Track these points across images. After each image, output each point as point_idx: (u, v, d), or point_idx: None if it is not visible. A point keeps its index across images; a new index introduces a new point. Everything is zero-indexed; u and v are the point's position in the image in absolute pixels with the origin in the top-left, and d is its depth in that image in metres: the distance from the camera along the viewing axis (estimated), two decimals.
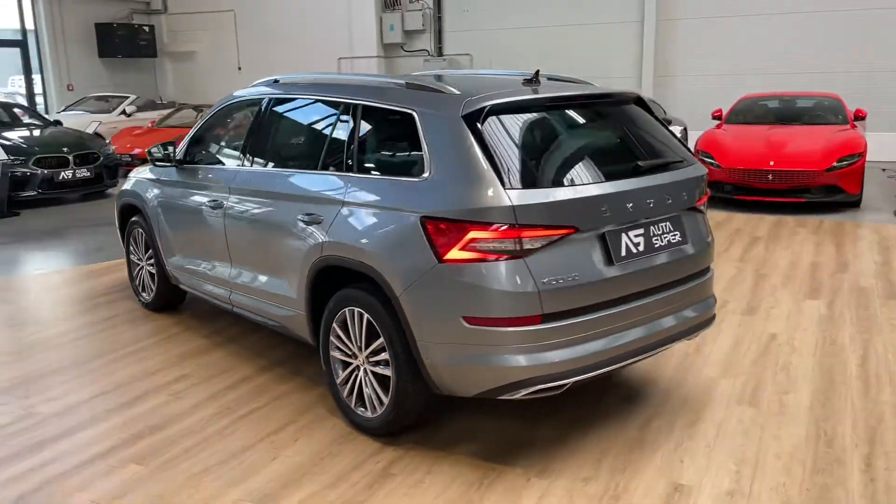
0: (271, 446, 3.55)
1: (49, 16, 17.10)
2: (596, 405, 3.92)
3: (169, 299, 5.52)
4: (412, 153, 3.38)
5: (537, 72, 3.69)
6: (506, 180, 3.06)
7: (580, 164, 3.34)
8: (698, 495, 3.09)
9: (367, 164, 3.64)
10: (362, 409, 3.61)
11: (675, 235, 3.49)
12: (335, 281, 3.67)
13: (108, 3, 18.40)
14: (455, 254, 3.07)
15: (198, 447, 3.56)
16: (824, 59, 13.96)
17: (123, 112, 15.06)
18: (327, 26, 17.41)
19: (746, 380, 4.21)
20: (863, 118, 10.30)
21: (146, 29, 19.10)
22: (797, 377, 4.23)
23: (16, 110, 12.40)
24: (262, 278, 4.20)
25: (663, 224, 3.45)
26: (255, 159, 4.38)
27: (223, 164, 4.71)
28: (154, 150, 5.03)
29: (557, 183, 3.16)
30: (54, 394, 4.21)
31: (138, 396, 4.16)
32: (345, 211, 3.55)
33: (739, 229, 8.23)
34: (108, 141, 12.10)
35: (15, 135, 10.85)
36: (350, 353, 3.63)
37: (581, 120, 3.63)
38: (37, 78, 17.58)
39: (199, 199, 4.68)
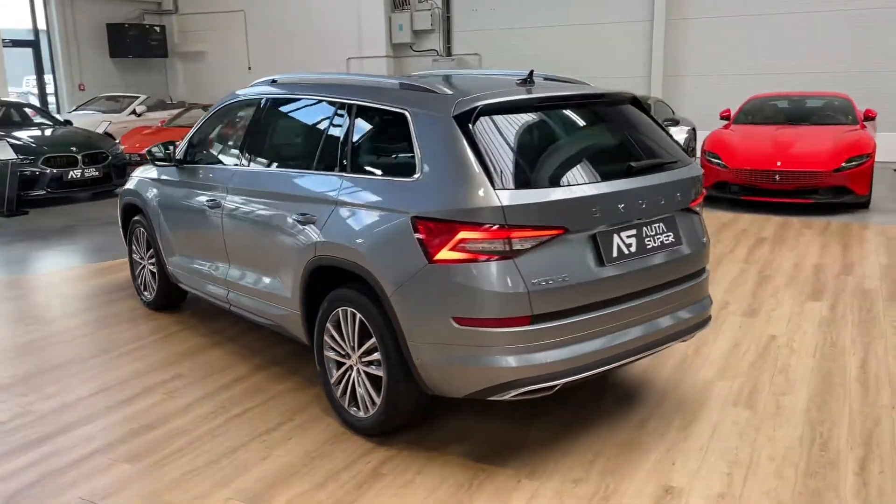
0: (263, 446, 3.56)
1: (61, 16, 17.26)
2: (591, 406, 3.90)
3: (170, 298, 5.54)
4: (404, 153, 3.38)
5: (531, 72, 3.68)
6: (496, 181, 3.05)
7: (571, 164, 3.32)
8: (688, 498, 3.07)
9: (360, 164, 3.64)
10: (355, 409, 3.61)
11: (668, 236, 3.47)
12: (329, 281, 3.68)
13: (119, 4, 18.54)
14: (445, 254, 3.06)
15: (190, 446, 3.58)
16: (835, 58, 13.85)
17: (133, 112, 15.16)
18: (336, 26, 17.46)
19: (744, 381, 4.18)
20: (872, 118, 10.20)
21: (157, 29, 19.23)
22: (795, 379, 4.20)
23: (27, 110, 12.51)
24: (259, 278, 4.21)
25: (656, 225, 3.42)
26: (253, 159, 4.39)
27: (221, 164, 4.72)
28: (155, 149, 5.06)
29: (548, 183, 3.15)
30: (52, 391, 4.24)
31: (135, 395, 4.18)
32: (338, 211, 3.55)
33: (745, 230, 8.18)
34: (117, 140, 12.18)
35: (25, 134, 10.94)
36: (343, 352, 3.63)
37: (574, 120, 3.62)
38: (49, 78, 17.74)
39: (198, 198, 4.70)
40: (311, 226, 3.67)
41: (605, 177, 3.29)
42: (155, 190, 5.26)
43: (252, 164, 4.38)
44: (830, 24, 13.82)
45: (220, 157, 4.84)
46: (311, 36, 17.78)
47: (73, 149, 10.73)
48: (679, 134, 10.42)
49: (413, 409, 3.46)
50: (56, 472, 3.37)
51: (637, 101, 3.86)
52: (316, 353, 3.79)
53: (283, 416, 3.85)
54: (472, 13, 16.78)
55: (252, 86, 4.71)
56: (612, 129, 3.73)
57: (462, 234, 3.02)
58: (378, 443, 3.54)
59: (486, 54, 16.70)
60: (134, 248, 5.76)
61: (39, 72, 17.67)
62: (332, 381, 3.72)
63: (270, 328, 4.31)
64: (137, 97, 15.76)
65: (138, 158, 12.15)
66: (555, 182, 3.16)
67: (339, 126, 3.78)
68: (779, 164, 9.04)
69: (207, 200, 4.58)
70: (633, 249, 3.31)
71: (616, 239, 3.26)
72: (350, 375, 3.61)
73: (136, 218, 5.60)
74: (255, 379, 4.33)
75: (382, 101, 3.59)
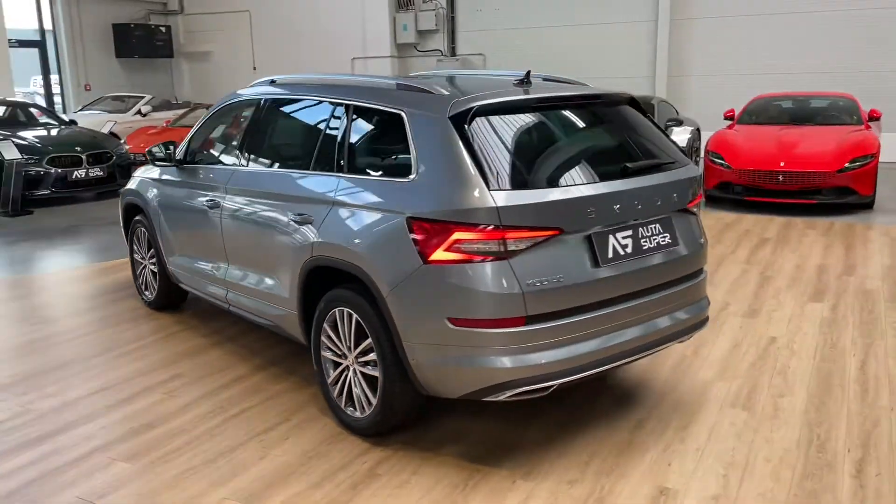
0: (260, 445, 3.57)
1: (67, 17, 17.33)
2: (588, 407, 3.90)
3: (171, 298, 5.56)
4: (401, 154, 3.38)
5: (528, 72, 3.68)
6: (491, 181, 3.05)
7: (567, 165, 3.32)
8: (683, 499, 3.06)
9: (357, 165, 3.64)
10: (352, 409, 3.62)
11: (664, 237, 3.46)
12: (326, 281, 3.69)
13: (125, 4, 18.60)
14: (440, 255, 3.07)
15: (188, 445, 3.59)
16: (840, 58, 13.80)
17: (139, 112, 15.21)
18: (341, 26, 17.49)
19: (742, 383, 4.17)
20: (877, 118, 10.16)
21: (163, 29, 19.29)
22: (794, 381, 4.19)
23: (32, 110, 12.57)
24: (257, 278, 4.23)
25: (653, 226, 3.42)
26: (251, 159, 4.41)
27: (221, 164, 4.74)
28: (155, 149, 5.08)
29: (543, 184, 3.15)
30: (53, 390, 4.26)
31: (135, 394, 4.19)
32: (335, 211, 3.56)
33: (748, 230, 8.16)
34: (122, 140, 12.22)
35: (30, 134, 10.99)
36: (340, 353, 3.64)
37: (571, 121, 3.62)
38: (55, 78, 17.82)
39: (198, 198, 4.71)
40: (309, 226, 3.68)
41: (601, 178, 3.29)
42: (155, 190, 5.29)
43: (250, 164, 4.39)
44: (835, 23, 13.77)
45: (220, 157, 4.85)
46: (316, 36, 17.82)
47: (78, 149, 10.78)
48: (682, 134, 10.38)
49: (408, 409, 3.46)
50: (55, 471, 3.39)
51: (635, 102, 3.85)
52: (313, 353, 3.80)
53: (280, 416, 3.86)
54: (476, 13, 16.78)
55: (252, 86, 4.72)
56: (609, 130, 3.72)
57: (457, 235, 3.02)
58: (374, 443, 3.54)
59: (491, 54, 16.70)
60: (135, 247, 5.79)
61: (46, 72, 17.74)
62: (329, 381, 3.72)
63: (269, 328, 4.32)
64: (143, 97, 15.82)
65: (143, 158, 12.19)
66: (550, 183, 3.16)
67: (337, 126, 3.79)
68: (782, 164, 9.01)
69: (207, 200, 4.59)
70: (628, 250, 3.31)
71: (611, 240, 3.25)
72: (347, 375, 3.62)
73: (137, 218, 5.62)
74: (254, 379, 4.34)
75: (379, 101, 3.59)
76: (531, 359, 3.08)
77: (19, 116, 12.13)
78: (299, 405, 3.98)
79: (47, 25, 17.40)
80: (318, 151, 3.85)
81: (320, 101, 3.99)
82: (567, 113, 3.60)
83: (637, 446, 3.50)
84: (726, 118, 10.95)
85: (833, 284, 6.03)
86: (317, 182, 3.76)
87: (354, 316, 3.47)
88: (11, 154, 9.73)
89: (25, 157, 10.05)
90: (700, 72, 15.03)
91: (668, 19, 14.87)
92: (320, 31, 17.76)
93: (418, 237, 3.12)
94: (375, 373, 3.41)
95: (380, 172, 3.52)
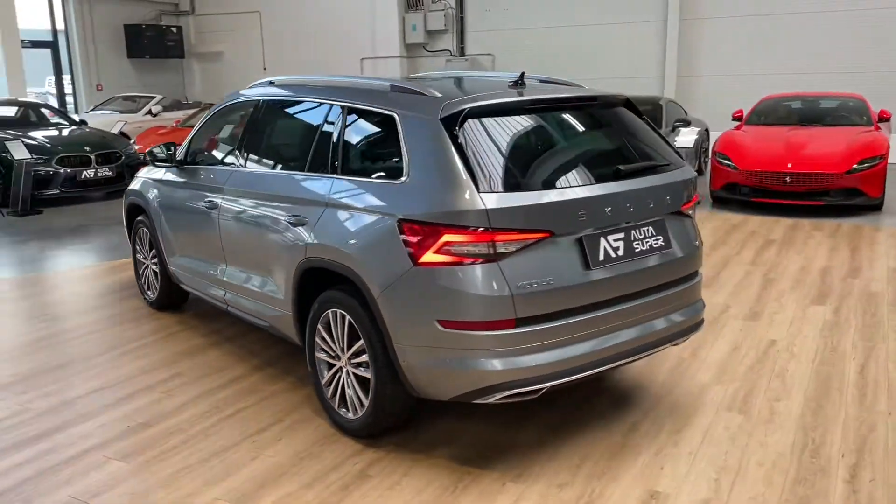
0: (254, 446, 3.59)
1: (79, 17, 17.47)
2: (582, 409, 3.89)
3: (172, 298, 5.60)
4: (393, 155, 3.39)
5: (522, 74, 3.68)
6: (481, 183, 3.05)
7: (559, 167, 3.32)
8: (674, 503, 3.05)
9: (351, 166, 3.65)
10: (345, 411, 3.63)
11: (657, 240, 3.45)
12: (320, 282, 3.70)
13: (136, 5, 18.73)
14: (430, 257, 3.07)
15: (182, 445, 3.61)
16: (851, 58, 13.68)
17: (149, 112, 15.30)
18: (350, 27, 17.53)
19: (739, 386, 4.15)
20: (887, 119, 10.06)
21: (174, 30, 19.40)
22: (792, 384, 4.16)
23: (44, 110, 12.67)
24: (253, 279, 4.25)
25: (645, 228, 3.41)
26: (249, 160, 4.43)
27: (219, 165, 4.76)
28: (156, 150, 5.11)
29: (534, 187, 3.14)
30: (52, 389, 4.30)
31: (132, 393, 4.22)
32: (328, 213, 3.57)
33: (754, 232, 8.11)
34: (132, 140, 12.31)
35: (40, 134, 11.08)
36: (334, 354, 3.65)
37: (564, 123, 3.60)
38: (67, 78, 17.96)
39: (197, 199, 4.74)
40: (303, 227, 3.69)
41: (593, 180, 3.28)
42: (156, 191, 5.32)
43: (248, 165, 4.41)
44: (846, 23, 13.65)
45: (218, 158, 4.88)
46: (325, 36, 17.87)
47: (87, 149, 10.86)
48: (689, 135, 10.32)
49: (400, 411, 3.47)
50: (50, 470, 3.42)
51: (630, 104, 3.84)
52: (307, 354, 3.81)
53: (274, 417, 3.88)
54: (485, 13, 16.76)
55: (251, 87, 4.74)
56: (604, 133, 3.71)
57: (446, 237, 3.02)
58: (367, 444, 3.55)
59: (500, 54, 16.68)
60: (137, 247, 5.83)
61: (58, 72, 17.89)
62: (323, 382, 3.74)
63: (264, 329, 4.34)
64: (153, 97, 15.92)
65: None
66: (541, 185, 3.16)
67: (331, 128, 3.80)
68: (789, 165, 8.94)
69: (205, 201, 4.62)
70: (620, 253, 3.30)
71: (603, 242, 3.24)
72: (340, 377, 3.63)
73: (139, 218, 5.66)
74: (251, 379, 4.36)
75: (372, 103, 3.60)
76: (521, 361, 3.07)
77: (31, 117, 12.24)
78: (294, 406, 4.00)
79: (59, 26, 17.55)
80: (313, 153, 3.86)
81: (316, 103, 4.01)
82: (561, 115, 3.59)
83: (630, 449, 3.49)
84: (734, 119, 10.88)
85: (837, 287, 5.98)
86: (311, 183, 3.77)
87: (347, 317, 3.47)
88: (21, 154, 9.82)
89: (35, 156, 10.13)
90: (710, 72, 14.94)
91: (677, 19, 14.80)
92: (330, 31, 17.81)
93: (409, 239, 3.12)
94: (367, 374, 3.42)
95: (373, 174, 3.53)
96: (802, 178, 8.89)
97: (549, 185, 3.18)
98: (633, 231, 3.35)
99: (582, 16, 15.71)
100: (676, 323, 3.59)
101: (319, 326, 3.68)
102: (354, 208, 3.44)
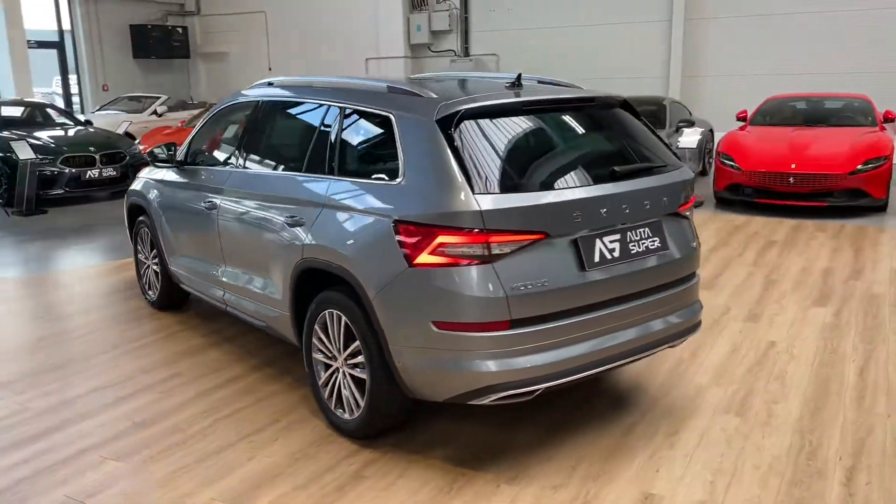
0: (250, 446, 3.59)
1: (85, 18, 17.55)
2: (579, 411, 3.88)
3: (172, 298, 5.61)
4: (389, 157, 3.39)
5: (519, 75, 3.67)
6: (476, 185, 3.05)
7: (554, 169, 3.31)
8: None
9: (348, 167, 3.66)
10: (341, 411, 3.63)
11: (654, 241, 3.44)
12: (317, 283, 3.70)
13: (142, 5, 18.79)
14: (425, 258, 3.07)
15: (179, 445, 3.62)
16: (856, 58, 13.60)
17: (154, 112, 15.36)
18: (355, 27, 17.55)
19: (738, 388, 4.14)
20: (893, 120, 10.02)
21: (180, 30, 19.47)
22: (791, 386, 4.14)
23: (49, 110, 12.73)
24: (251, 279, 4.26)
25: (641, 230, 3.40)
26: (247, 161, 4.44)
27: (219, 166, 4.77)
28: (157, 150, 5.13)
29: (529, 188, 3.14)
30: (52, 388, 4.31)
31: (132, 393, 4.24)
32: (325, 214, 3.58)
33: (757, 233, 8.08)
34: (137, 140, 12.35)
35: (45, 134, 11.13)
36: (330, 355, 3.66)
37: (560, 124, 3.60)
38: (73, 78, 18.04)
39: (196, 199, 4.75)
40: (300, 228, 3.70)
41: (589, 181, 3.27)
42: (157, 191, 5.34)
43: (247, 165, 4.42)
44: (852, 23, 13.58)
45: (218, 158, 4.89)
46: (330, 37, 17.90)
47: (92, 149, 10.90)
48: (693, 135, 10.28)
49: (396, 412, 3.47)
50: (47, 469, 3.43)
51: (627, 105, 3.83)
52: (305, 354, 3.82)
53: (271, 417, 3.88)
54: (489, 13, 16.75)
55: (251, 87, 4.76)
56: (600, 134, 3.71)
57: (441, 239, 3.02)
58: (363, 445, 3.55)
59: (504, 55, 16.66)
60: (139, 248, 5.85)
61: (64, 72, 17.98)
62: (320, 382, 3.74)
63: (264, 329, 4.35)
64: (159, 97, 15.98)
65: None
66: (536, 187, 3.16)
67: (329, 129, 3.81)
68: (793, 166, 8.91)
69: (205, 202, 4.63)
70: (616, 254, 3.29)
71: (598, 244, 3.24)
72: (337, 378, 3.63)
73: (140, 218, 5.68)
74: (249, 380, 4.37)
75: (369, 104, 3.61)
76: (516, 362, 3.07)
77: (36, 117, 12.30)
78: (291, 406, 4.00)
79: (66, 26, 17.63)
80: (311, 153, 3.87)
81: (314, 104, 4.01)
82: (557, 116, 3.58)
83: (626, 451, 3.48)
84: (739, 119, 10.84)
85: (839, 288, 5.96)
86: (309, 184, 3.78)
87: (343, 318, 3.48)
88: (26, 154, 9.86)
89: (40, 156, 10.18)
90: (715, 72, 14.89)
91: (682, 19, 14.75)
92: (335, 31, 17.84)
93: (404, 240, 3.13)
94: (363, 375, 3.42)
95: (369, 175, 3.53)
96: (806, 178, 8.85)
97: (545, 186, 3.17)
98: (629, 232, 3.35)
99: (586, 16, 15.68)
100: (674, 324, 3.59)
101: (316, 327, 3.69)
102: (351, 209, 3.45)
